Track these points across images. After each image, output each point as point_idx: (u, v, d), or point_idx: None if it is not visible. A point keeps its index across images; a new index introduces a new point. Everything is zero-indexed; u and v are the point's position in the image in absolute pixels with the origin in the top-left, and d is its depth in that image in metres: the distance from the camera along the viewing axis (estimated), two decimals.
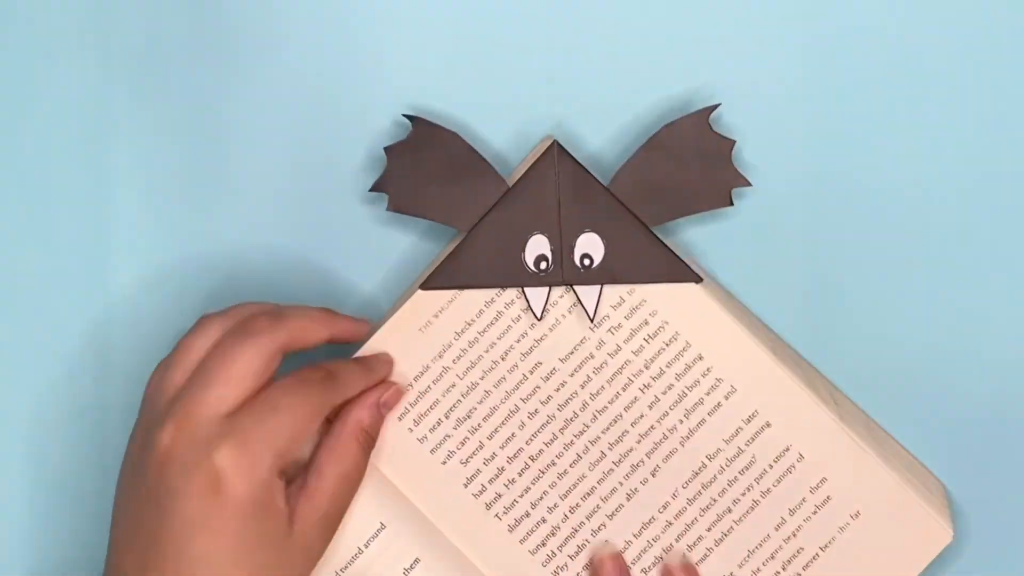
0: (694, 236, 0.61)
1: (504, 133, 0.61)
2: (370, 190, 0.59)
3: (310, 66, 0.61)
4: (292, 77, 0.61)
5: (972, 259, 0.61)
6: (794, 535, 0.59)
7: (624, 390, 0.59)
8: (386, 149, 0.59)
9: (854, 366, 0.61)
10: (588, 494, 0.59)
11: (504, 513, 0.59)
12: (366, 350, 0.59)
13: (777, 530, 0.59)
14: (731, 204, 0.59)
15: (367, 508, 0.58)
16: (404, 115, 0.59)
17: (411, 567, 0.58)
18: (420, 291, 0.59)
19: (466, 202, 0.59)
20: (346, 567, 0.58)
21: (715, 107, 0.59)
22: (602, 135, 0.61)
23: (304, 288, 0.61)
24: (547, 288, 0.59)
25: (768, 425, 0.59)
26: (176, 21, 0.61)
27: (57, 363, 0.61)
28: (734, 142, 0.60)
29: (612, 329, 0.59)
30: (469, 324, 0.59)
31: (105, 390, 0.61)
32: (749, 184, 0.60)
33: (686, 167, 0.59)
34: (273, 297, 0.60)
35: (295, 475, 0.54)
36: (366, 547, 0.58)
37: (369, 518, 0.58)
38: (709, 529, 0.59)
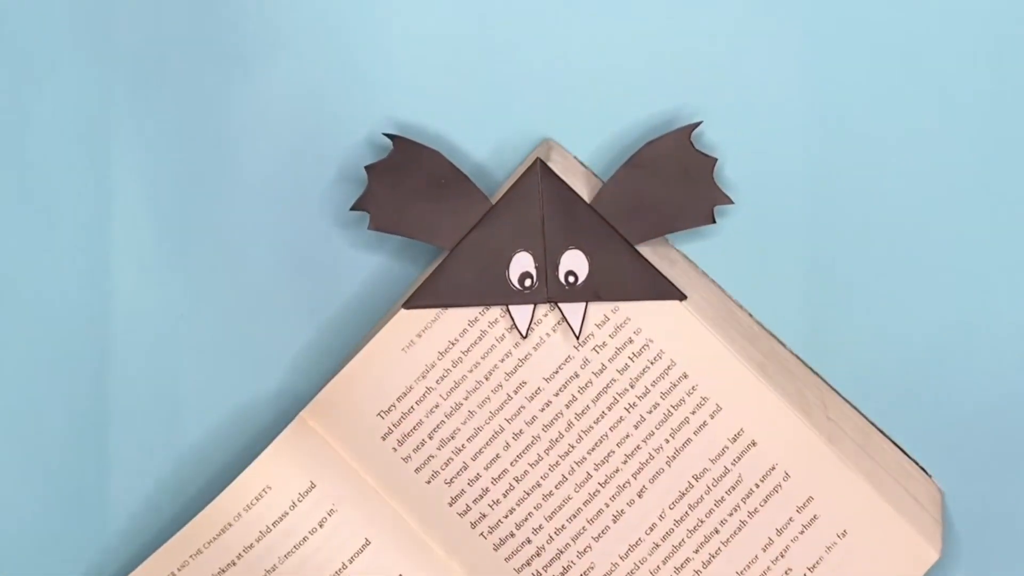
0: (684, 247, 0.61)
1: (487, 150, 0.61)
2: (351, 208, 0.59)
3: (290, 85, 0.61)
4: (273, 96, 0.61)
5: (967, 263, 0.61)
6: (782, 555, 0.59)
7: (609, 409, 0.59)
8: (367, 168, 0.59)
9: (852, 367, 0.61)
10: (574, 515, 0.59)
11: (489, 532, 0.58)
12: (348, 370, 0.58)
13: (765, 551, 0.59)
14: (713, 222, 0.59)
15: (353, 521, 0.57)
16: (385, 134, 0.59)
17: None
18: (403, 310, 0.58)
19: (449, 220, 0.59)
20: None
21: (696, 125, 0.60)
22: (585, 152, 0.61)
23: (286, 307, 0.60)
24: (532, 306, 0.58)
25: (754, 444, 0.59)
26: (176, 21, 0.60)
27: (57, 363, 0.60)
28: (716, 160, 0.60)
29: (597, 348, 0.59)
30: (453, 343, 0.59)
31: (105, 390, 0.60)
32: (731, 202, 0.60)
33: (668, 185, 0.59)
34: (256, 315, 0.60)
35: None
36: (351, 562, 0.57)
37: (354, 531, 0.57)
38: (696, 551, 0.59)
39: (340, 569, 0.57)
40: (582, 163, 0.60)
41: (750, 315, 0.61)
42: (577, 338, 0.58)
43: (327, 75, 0.61)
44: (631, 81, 0.61)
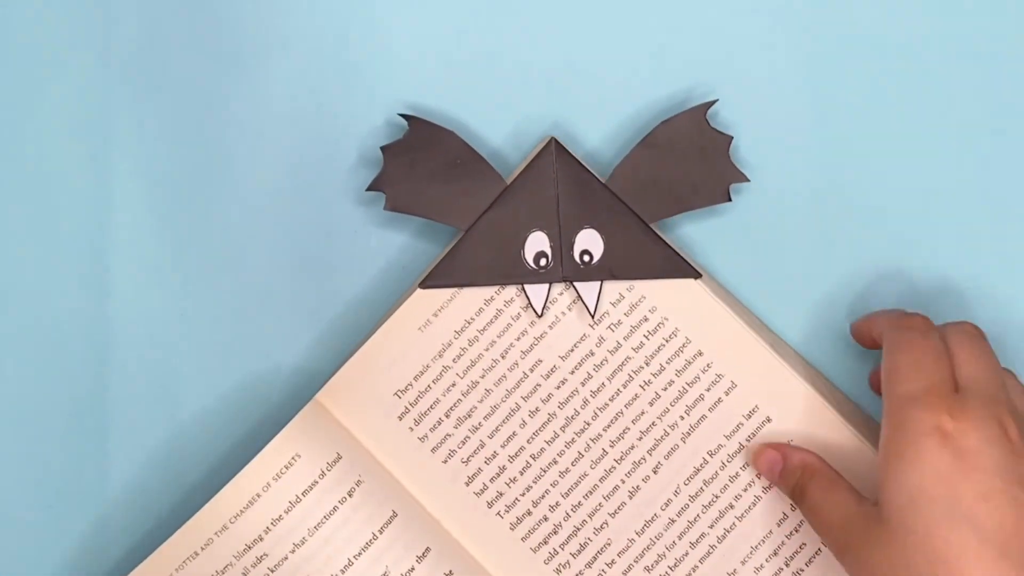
0: (692, 232, 0.61)
1: (502, 131, 0.61)
2: (367, 189, 0.59)
3: (307, 65, 0.61)
4: (289, 76, 0.61)
5: (974, 257, 0.61)
6: (796, 531, 0.59)
7: (625, 387, 0.59)
8: (383, 148, 0.59)
9: (852, 365, 0.61)
10: (590, 492, 0.59)
11: (506, 511, 0.59)
12: (365, 351, 0.59)
13: (779, 526, 0.59)
14: (729, 200, 0.59)
15: (368, 505, 0.58)
16: (400, 114, 0.59)
17: (423, 555, 0.58)
18: (419, 290, 0.59)
19: (464, 200, 0.59)
20: (361, 552, 0.58)
21: (712, 103, 0.60)
22: (600, 132, 0.61)
23: (302, 287, 0.61)
24: (547, 285, 0.59)
25: (769, 420, 0.59)
26: (176, 21, 0.61)
27: (56, 362, 0.60)
28: (731, 138, 0.60)
29: (612, 326, 0.59)
30: (469, 322, 0.59)
31: (105, 389, 0.60)
32: (747, 180, 0.60)
33: (684, 163, 0.59)
34: (272, 294, 0.60)
35: None
36: (364, 550, 0.58)
37: (371, 515, 0.58)
38: (712, 526, 0.59)
39: (356, 555, 0.58)
40: (583, 165, 0.60)
41: (751, 312, 0.61)
42: (592, 317, 0.59)
43: (328, 70, 0.61)
44: (643, 64, 0.61)
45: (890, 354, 0.55)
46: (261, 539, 0.58)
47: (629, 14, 0.61)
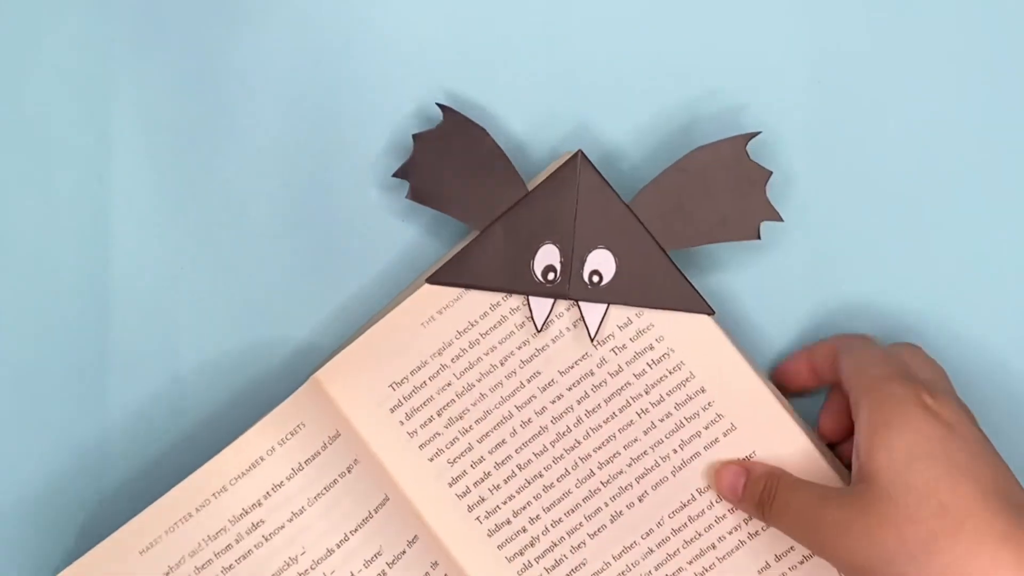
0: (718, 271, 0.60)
1: (531, 133, 0.60)
2: (393, 175, 0.58)
3: (293, 38, 0.60)
4: (275, 49, 0.60)
5: (998, 318, 0.59)
6: None
7: (621, 411, 0.58)
8: (414, 136, 0.58)
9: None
10: (572, 510, 0.58)
11: (485, 517, 0.59)
12: (367, 338, 0.58)
13: (760, 573, 0.58)
14: (758, 238, 0.57)
15: (371, 479, 0.58)
16: (437, 104, 0.58)
17: (413, 540, 0.58)
18: (427, 285, 0.58)
19: (484, 201, 0.58)
20: (356, 529, 0.58)
21: (755, 134, 0.57)
22: (632, 153, 0.59)
23: (308, 265, 0.60)
24: (551, 300, 0.58)
25: None
26: None
27: (57, 316, 0.61)
28: (770, 173, 0.57)
29: (616, 349, 0.58)
30: (472, 325, 0.58)
31: (104, 345, 0.61)
32: (780, 219, 0.57)
33: (715, 193, 0.57)
34: (276, 266, 0.60)
35: None
36: (376, 512, 0.58)
37: (356, 503, 0.58)
38: (691, 562, 0.58)
39: (352, 530, 0.58)
40: (607, 182, 0.58)
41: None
42: (592, 340, 0.57)
43: (330, 30, 0.60)
44: (688, 84, 0.59)
45: (850, 353, 0.56)
46: (260, 504, 0.58)
47: (676, 38, 0.59)
